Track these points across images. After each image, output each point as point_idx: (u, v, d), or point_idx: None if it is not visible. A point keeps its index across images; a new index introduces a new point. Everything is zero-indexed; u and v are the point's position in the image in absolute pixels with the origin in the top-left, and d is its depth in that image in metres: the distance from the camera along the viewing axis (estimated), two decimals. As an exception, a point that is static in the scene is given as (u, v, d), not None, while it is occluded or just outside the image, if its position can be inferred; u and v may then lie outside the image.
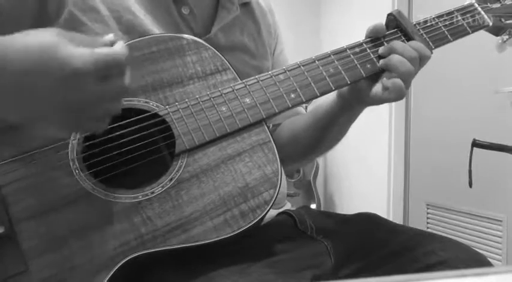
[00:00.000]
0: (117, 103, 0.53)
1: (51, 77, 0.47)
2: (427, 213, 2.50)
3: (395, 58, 0.67)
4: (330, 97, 0.76)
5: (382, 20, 0.73)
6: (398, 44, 0.68)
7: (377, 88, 0.68)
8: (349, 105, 0.75)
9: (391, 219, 1.06)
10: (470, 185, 1.28)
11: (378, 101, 0.69)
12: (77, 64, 0.47)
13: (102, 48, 0.50)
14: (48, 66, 0.47)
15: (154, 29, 0.70)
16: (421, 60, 0.68)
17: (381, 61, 0.69)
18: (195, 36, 0.70)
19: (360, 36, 0.72)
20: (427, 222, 2.50)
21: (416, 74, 0.69)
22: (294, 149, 0.86)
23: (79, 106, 0.50)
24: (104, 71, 0.49)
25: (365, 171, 2.79)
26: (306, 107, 1.26)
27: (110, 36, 0.53)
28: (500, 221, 2.08)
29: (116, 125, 0.61)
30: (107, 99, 0.51)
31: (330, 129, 0.80)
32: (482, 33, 0.81)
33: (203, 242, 0.57)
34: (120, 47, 0.51)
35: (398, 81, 0.66)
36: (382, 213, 2.60)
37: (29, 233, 0.55)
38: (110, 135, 0.60)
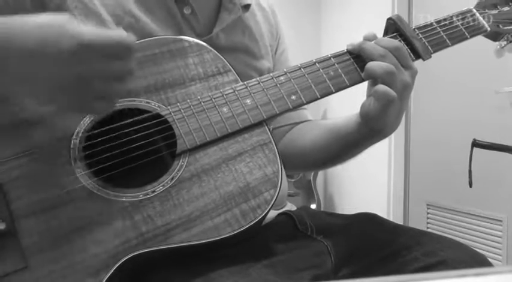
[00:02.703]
0: (123, 83, 0.54)
1: (61, 48, 0.49)
2: (427, 213, 2.50)
3: (369, 65, 0.67)
4: (353, 121, 0.74)
5: (381, 19, 0.74)
6: (367, 45, 0.68)
7: (366, 101, 0.68)
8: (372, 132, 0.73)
9: (391, 219, 1.06)
10: (470, 185, 1.28)
11: (373, 114, 0.67)
12: (86, 37, 0.50)
13: (112, 30, 0.52)
14: (59, 37, 0.49)
15: (156, 30, 0.70)
16: (396, 56, 0.67)
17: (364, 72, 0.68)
18: (196, 36, 0.70)
19: (360, 34, 0.72)
20: (427, 222, 2.50)
21: (402, 70, 0.66)
22: (304, 160, 0.87)
23: (86, 81, 0.51)
24: (112, 49, 0.51)
25: (365, 171, 2.78)
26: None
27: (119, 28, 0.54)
28: (500, 221, 2.08)
29: (117, 124, 0.61)
30: (112, 78, 0.53)
31: (351, 152, 0.81)
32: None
33: (204, 241, 0.57)
34: (128, 34, 0.53)
35: (380, 87, 0.65)
36: (382, 213, 2.60)
37: (29, 230, 0.55)
38: (111, 135, 0.61)
